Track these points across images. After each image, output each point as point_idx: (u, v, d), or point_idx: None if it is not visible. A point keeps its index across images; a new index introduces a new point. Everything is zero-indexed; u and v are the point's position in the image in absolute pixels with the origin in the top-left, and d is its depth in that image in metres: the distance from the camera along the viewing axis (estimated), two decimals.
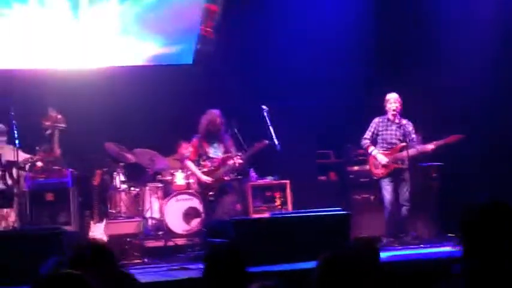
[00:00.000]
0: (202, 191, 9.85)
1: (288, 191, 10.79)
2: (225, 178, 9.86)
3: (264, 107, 9.72)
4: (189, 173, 10.59)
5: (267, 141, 9.63)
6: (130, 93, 11.05)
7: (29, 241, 7.11)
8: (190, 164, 9.90)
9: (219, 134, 9.83)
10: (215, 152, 9.87)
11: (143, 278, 6.02)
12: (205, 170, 9.82)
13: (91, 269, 3.51)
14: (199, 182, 9.84)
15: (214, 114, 9.76)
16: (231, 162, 9.72)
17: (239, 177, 10.45)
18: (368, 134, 9.92)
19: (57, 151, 9.83)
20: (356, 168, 11.21)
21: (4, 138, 9.63)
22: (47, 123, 9.88)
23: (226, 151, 9.86)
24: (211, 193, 9.75)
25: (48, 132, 9.87)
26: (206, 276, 4.14)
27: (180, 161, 11.10)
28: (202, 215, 10.30)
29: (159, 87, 11.26)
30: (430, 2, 11.48)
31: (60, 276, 2.72)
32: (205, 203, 9.84)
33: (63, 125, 9.91)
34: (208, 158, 9.82)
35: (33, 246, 6.87)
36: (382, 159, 9.73)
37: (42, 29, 11.21)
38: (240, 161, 9.68)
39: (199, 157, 9.86)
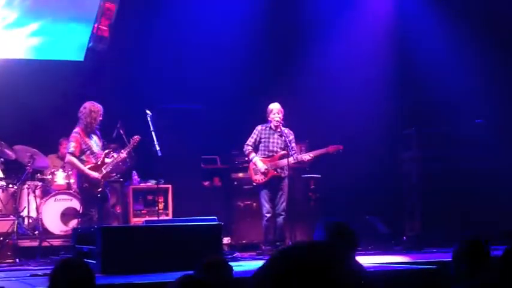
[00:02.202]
0: (90, 188, 9.27)
1: (170, 195, 10.79)
2: (112, 175, 9.61)
3: (147, 111, 9.61)
4: (70, 172, 10.42)
5: (139, 137, 9.45)
6: (13, 87, 10.77)
7: None
8: (74, 160, 9.22)
9: (95, 128, 9.37)
10: (97, 146, 9.40)
11: None
12: (90, 166, 9.27)
13: None
14: (87, 179, 9.23)
15: (98, 106, 9.30)
16: (110, 159, 9.34)
17: (121, 179, 10.35)
18: (250, 141, 10.03)
19: None
20: (240, 175, 11.33)
21: None
22: None
23: (103, 147, 9.48)
24: (99, 190, 9.26)
25: None
26: None
27: (62, 158, 10.94)
28: (81, 216, 10.18)
29: (45, 83, 11.00)
30: (318, 15, 11.70)
31: None
32: (90, 202, 9.34)
33: None
34: (92, 153, 9.31)
35: None
36: (262, 166, 9.86)
37: None
38: (125, 155, 9.36)
39: (82, 153, 9.28)
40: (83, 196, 9.52)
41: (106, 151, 9.47)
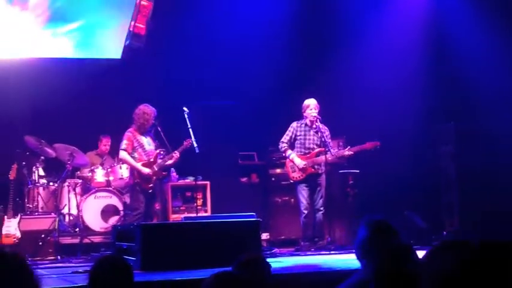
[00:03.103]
0: (141, 183, 9.61)
1: (208, 192, 10.84)
2: (163, 173, 9.83)
3: (185, 109, 9.68)
4: (109, 169, 10.56)
5: (190, 140, 9.60)
6: (53, 86, 10.89)
7: None
8: (126, 156, 9.67)
9: (148, 129, 9.75)
10: (149, 145, 9.76)
11: None
12: (142, 162, 9.65)
13: None
14: (139, 175, 9.60)
15: (151, 109, 9.68)
16: (164, 158, 9.66)
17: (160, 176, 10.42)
18: (286, 138, 10.01)
19: None
20: (278, 170, 11.33)
21: None
22: None
23: (156, 147, 9.80)
24: (150, 185, 9.60)
25: None
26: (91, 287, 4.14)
27: (101, 155, 11.09)
28: (121, 212, 10.32)
29: (83, 81, 11.15)
30: (354, 11, 11.63)
31: None
32: (140, 198, 9.60)
33: None
34: (144, 151, 9.70)
35: None
36: (300, 162, 9.83)
37: None
38: (178, 155, 9.63)
39: (134, 150, 9.69)
40: (133, 192, 9.81)
41: (158, 150, 9.77)
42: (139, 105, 9.72)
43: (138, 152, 9.70)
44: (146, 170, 9.59)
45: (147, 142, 9.76)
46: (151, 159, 9.69)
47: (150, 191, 9.63)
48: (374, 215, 4.28)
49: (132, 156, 9.67)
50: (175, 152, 9.66)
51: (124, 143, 9.68)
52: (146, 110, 9.67)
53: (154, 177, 9.65)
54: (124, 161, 9.95)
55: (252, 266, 4.39)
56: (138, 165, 9.62)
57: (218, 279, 3.70)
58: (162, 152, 9.77)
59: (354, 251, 9.08)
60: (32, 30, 11.24)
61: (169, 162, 9.76)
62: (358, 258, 4.14)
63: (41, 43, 11.37)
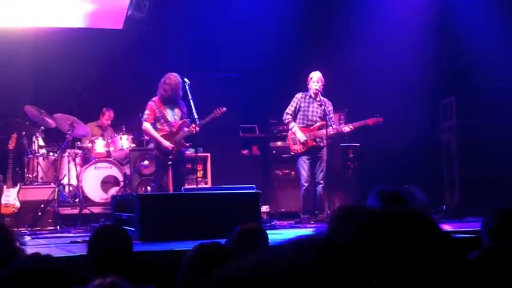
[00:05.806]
0: (160, 155, 9.45)
1: (209, 163, 10.81)
2: (186, 144, 9.70)
3: (186, 80, 9.56)
4: (109, 140, 10.52)
5: (225, 108, 9.49)
6: (54, 56, 10.85)
7: None
8: (148, 127, 9.40)
9: (177, 99, 9.48)
10: (173, 116, 9.49)
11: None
12: (163, 133, 9.41)
13: None
14: (159, 147, 9.42)
15: (173, 79, 9.35)
16: (187, 129, 9.44)
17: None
18: (290, 109, 9.95)
19: None
20: (279, 143, 11.32)
21: None
22: None
23: (182, 117, 9.55)
24: (170, 157, 9.40)
25: None
26: (90, 257, 4.12)
27: (101, 127, 11.05)
28: (121, 183, 10.30)
29: (85, 52, 11.07)
30: None
31: None
32: (161, 169, 9.57)
33: None
34: (167, 121, 9.42)
35: None
36: (302, 136, 9.79)
37: None
38: (198, 128, 9.35)
39: (156, 121, 9.43)
40: (155, 162, 9.71)
41: (182, 120, 9.50)
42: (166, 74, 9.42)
43: (160, 122, 9.42)
44: (166, 143, 9.32)
45: (171, 112, 9.47)
46: (174, 130, 9.44)
47: (169, 162, 9.44)
48: (385, 186, 4.23)
49: (154, 127, 9.42)
50: (197, 124, 9.33)
51: (145, 113, 9.41)
52: (167, 80, 9.35)
53: (175, 149, 9.40)
54: (146, 132, 9.70)
55: (248, 236, 4.35)
56: (159, 137, 9.36)
57: (201, 250, 3.62)
58: (186, 122, 9.50)
59: None
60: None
61: (189, 133, 9.45)
62: None
63: (40, 13, 11.27)
